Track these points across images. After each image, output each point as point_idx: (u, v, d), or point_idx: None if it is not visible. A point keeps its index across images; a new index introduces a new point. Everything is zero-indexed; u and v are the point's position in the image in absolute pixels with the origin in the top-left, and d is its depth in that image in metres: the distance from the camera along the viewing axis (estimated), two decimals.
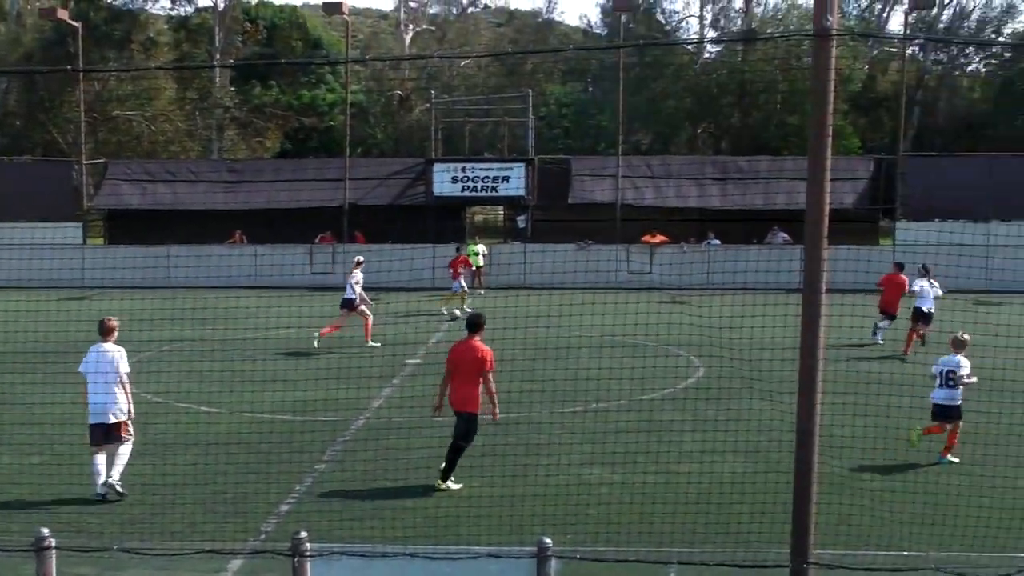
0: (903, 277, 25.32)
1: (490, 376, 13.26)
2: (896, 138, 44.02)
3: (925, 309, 24.17)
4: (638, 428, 15.15)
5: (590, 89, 67.68)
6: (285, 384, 18.33)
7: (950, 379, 15.27)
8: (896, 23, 70.27)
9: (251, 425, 16.37)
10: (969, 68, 69.43)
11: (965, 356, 15.44)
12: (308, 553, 7.16)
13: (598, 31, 68.54)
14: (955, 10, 66.54)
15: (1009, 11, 66.26)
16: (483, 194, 42.12)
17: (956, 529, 11.27)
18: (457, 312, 29.91)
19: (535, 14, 73.38)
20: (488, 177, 41.29)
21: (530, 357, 18.06)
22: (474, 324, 13.57)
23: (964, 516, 11.69)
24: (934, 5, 55.82)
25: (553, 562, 7.15)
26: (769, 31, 57.95)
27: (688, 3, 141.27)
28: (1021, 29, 66.07)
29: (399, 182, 43.33)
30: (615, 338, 21.50)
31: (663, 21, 66.15)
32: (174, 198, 43.17)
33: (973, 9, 67.19)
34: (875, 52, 63.29)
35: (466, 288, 32.15)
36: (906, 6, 48.92)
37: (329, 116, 63.99)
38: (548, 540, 7.20)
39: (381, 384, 19.38)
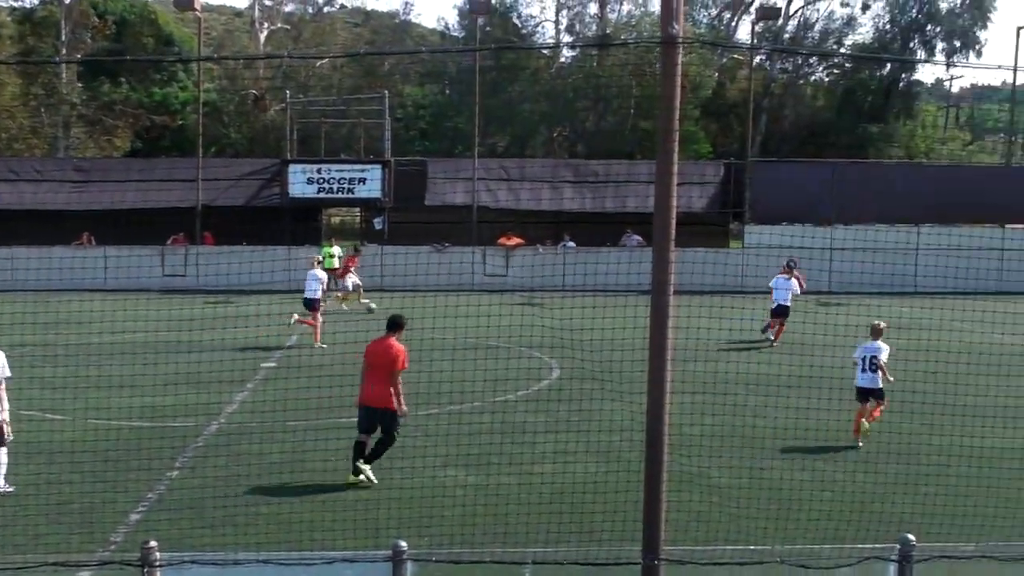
0: (798, 274, 26.82)
1: (398, 376, 13.63)
2: (745, 144, 45.22)
3: (779, 303, 25.71)
4: (494, 430, 15.23)
5: (447, 91, 67.73)
6: (134, 390, 17.84)
7: (873, 364, 16.58)
8: (744, 32, 72.27)
9: (98, 432, 15.90)
10: (813, 77, 71.80)
11: (883, 342, 16.77)
12: (158, 563, 7.01)
13: (455, 33, 68.62)
14: (800, 21, 68.76)
15: (850, 23, 68.74)
16: (339, 196, 41.77)
17: (801, 523, 11.67)
18: (373, 306, 29.67)
19: (392, 15, 73.17)
20: (344, 178, 40.98)
21: None
22: (394, 324, 13.99)
23: (808, 510, 12.12)
24: (779, 16, 57.57)
25: (408, 565, 7.16)
26: (623, 37, 58.97)
27: (544, 8, 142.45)
28: (861, 40, 68.51)
29: (254, 183, 42.65)
30: (471, 340, 21.56)
31: (519, 25, 66.61)
32: (18, 198, 41.63)
33: (816, 20, 69.51)
34: (725, 60, 64.94)
35: (352, 286, 32.00)
36: (753, 16, 50.46)
37: (181, 115, 62.58)
38: (403, 543, 7.20)
39: (235, 388, 19.06)
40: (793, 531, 11.42)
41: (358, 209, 47.11)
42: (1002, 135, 74.70)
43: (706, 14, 69.99)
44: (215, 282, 34.96)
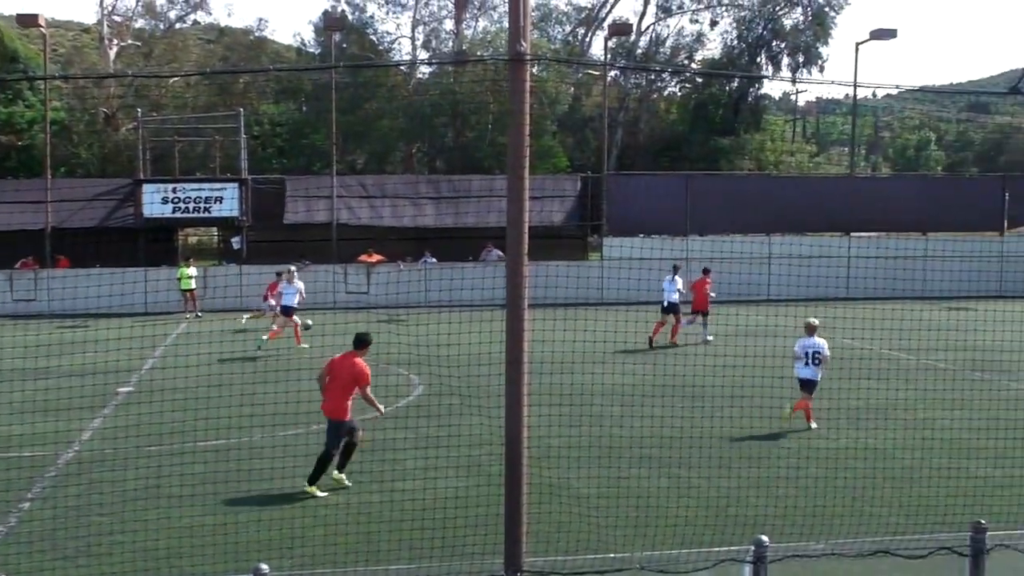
0: (708, 280, 29.13)
1: (368, 389, 14.23)
2: (601, 157, 45.94)
3: (667, 303, 28.33)
4: (359, 447, 15.15)
5: (304, 109, 67.05)
6: None
7: (816, 359, 17.92)
8: (598, 48, 73.53)
9: None
10: (667, 91, 73.31)
11: (819, 338, 18.10)
12: None
13: (312, 50, 67.99)
14: (651, 37, 70.15)
15: (699, 39, 70.44)
16: (196, 215, 40.97)
17: (662, 529, 11.90)
18: (310, 322, 28.32)
19: (246, 31, 71.92)
20: (200, 198, 40.23)
21: (249, 380, 17.72)
22: (360, 341, 14.59)
23: (669, 516, 12.38)
24: (631, 32, 58.68)
25: None
26: (479, 53, 59.30)
27: (399, 24, 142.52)
28: (711, 56, 70.27)
29: (106, 203, 41.54)
30: (326, 358, 21.39)
31: (376, 41, 66.44)
32: None
33: (667, 36, 71.04)
34: (580, 75, 65.86)
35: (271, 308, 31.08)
36: (606, 32, 51.31)
37: (28, 134, 60.57)
38: (264, 567, 7.14)
39: (91, 415, 18.54)
40: (654, 537, 11.64)
41: (215, 228, 46.29)
42: (846, 147, 77.49)
43: (560, 30, 70.95)
44: (69, 306, 33.94)
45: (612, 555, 10.93)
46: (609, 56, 60.97)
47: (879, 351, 25.29)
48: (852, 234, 42.31)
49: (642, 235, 40.75)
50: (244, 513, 12.66)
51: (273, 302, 29.82)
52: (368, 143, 63.34)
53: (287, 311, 27.35)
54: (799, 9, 68.75)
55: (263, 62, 64.95)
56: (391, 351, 20.07)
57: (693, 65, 68.67)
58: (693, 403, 18.87)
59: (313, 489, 13.77)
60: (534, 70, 58.02)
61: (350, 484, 14.20)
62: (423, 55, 66.55)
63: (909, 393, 19.93)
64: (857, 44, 46.63)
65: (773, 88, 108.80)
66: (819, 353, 18.01)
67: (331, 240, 40.07)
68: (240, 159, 43.79)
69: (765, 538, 7.64)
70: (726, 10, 69.49)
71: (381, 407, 14.60)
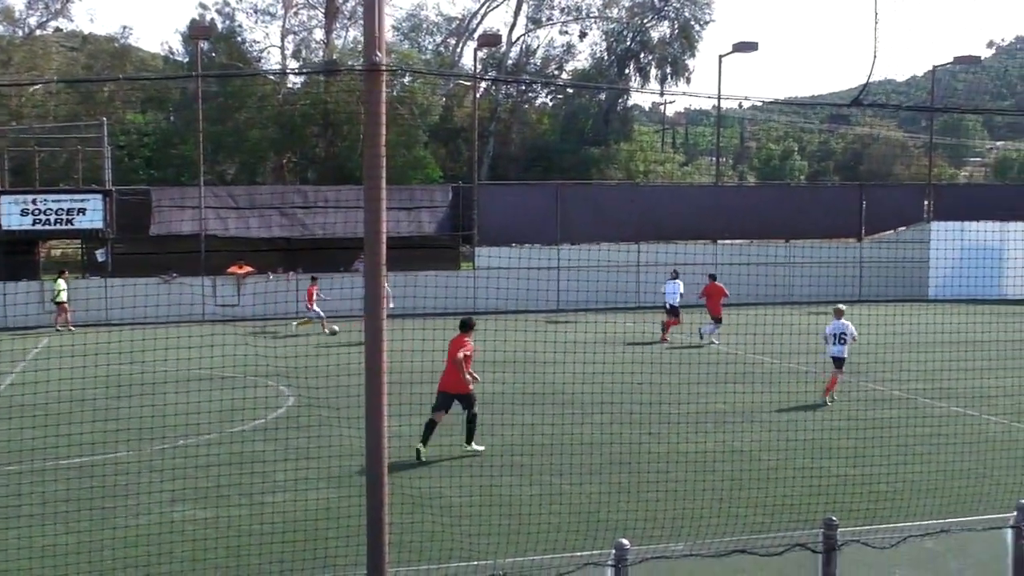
0: (719, 285, 30.68)
1: (461, 359, 16.11)
2: (472, 167, 46.14)
3: (669, 305, 30.85)
4: (228, 461, 14.95)
5: (171, 118, 65.82)
6: None
7: (842, 339, 20.69)
8: (469, 58, 73.83)
9: None
10: (537, 102, 73.97)
11: (847, 320, 20.93)
12: None
13: (179, 58, 66.80)
14: (522, 48, 70.75)
15: (569, 50, 71.31)
16: (58, 227, 39.84)
17: (532, 535, 12.01)
18: (336, 328, 29.97)
19: (110, 39, 70.26)
20: (63, 209, 39.16)
21: (113, 395, 17.34)
22: (466, 324, 16.70)
23: (539, 523, 12.50)
24: (500, 42, 59.05)
25: None
26: (351, 63, 58.99)
27: (268, 34, 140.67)
28: (581, 67, 71.20)
29: None
30: (202, 371, 21.07)
31: (245, 50, 65.59)
32: None
33: (538, 48, 71.72)
34: (451, 86, 66.04)
35: (319, 314, 32.12)
36: (476, 43, 51.57)
37: None
38: None
39: None
40: (524, 544, 11.73)
41: (79, 241, 45.09)
42: (713, 156, 79.17)
43: (431, 40, 71.09)
44: None
45: (476, 563, 10.99)
46: (480, 67, 61.32)
47: (744, 355, 25.93)
48: (719, 241, 43.26)
49: (513, 244, 41.03)
50: (108, 531, 12.38)
51: (318, 308, 31.61)
52: (238, 153, 62.49)
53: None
54: (666, 22, 70.12)
55: (128, 70, 63.54)
56: (260, 363, 19.85)
57: (563, 76, 69.43)
58: (563, 410, 19.09)
59: (474, 446, 16.34)
60: (405, 80, 58.00)
61: (482, 448, 16.39)
62: (293, 65, 65.98)
63: (773, 396, 20.47)
64: (721, 56, 47.77)
65: (642, 99, 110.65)
66: (845, 334, 20.88)
67: (199, 252, 39.40)
68: (104, 169, 42.80)
69: (626, 541, 7.79)
70: (595, 22, 70.52)
71: (476, 377, 16.65)
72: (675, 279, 31.55)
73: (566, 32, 71.62)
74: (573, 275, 36.30)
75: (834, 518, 8.42)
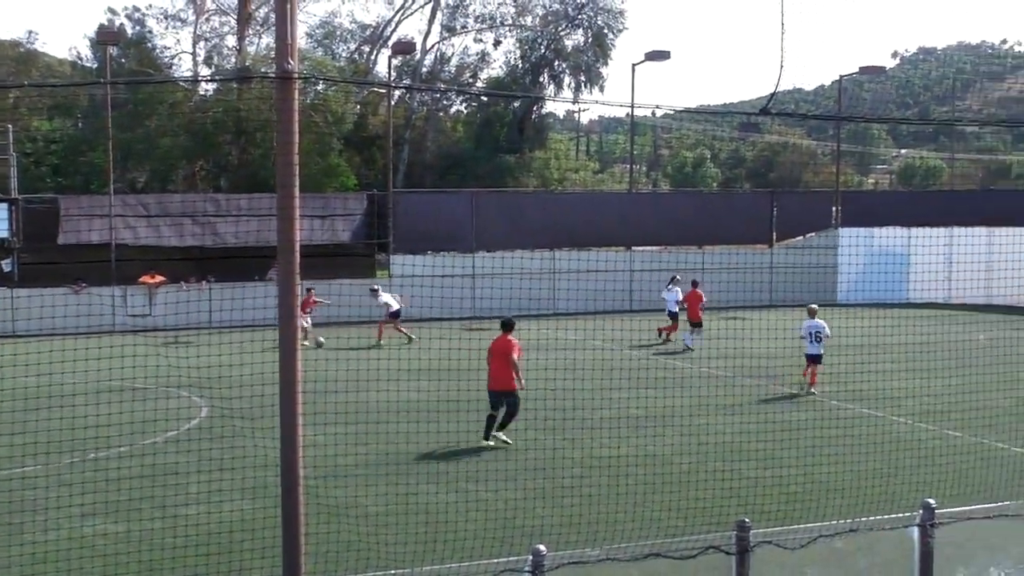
0: (700, 292, 31.19)
1: (516, 360, 17.64)
2: (387, 175, 45.99)
3: (669, 311, 31.67)
4: (140, 474, 14.74)
5: (80, 125, 64.55)
6: None
7: (818, 337, 22.48)
8: (384, 66, 73.52)
9: None
10: (452, 110, 73.99)
11: (820, 319, 22.74)
12: None
13: (88, 64, 65.57)
14: (436, 55, 70.73)
15: (484, 58, 71.43)
16: None
17: (450, 543, 12.02)
18: (322, 339, 30.16)
19: (15, 43, 68.67)
20: None
21: (20, 408, 16.99)
22: (508, 324, 18.27)
23: (457, 530, 12.51)
24: (415, 50, 58.96)
25: None
26: (264, 70, 58.44)
27: (179, 40, 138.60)
28: (495, 75, 71.40)
29: None
30: (113, 383, 20.72)
31: (156, 56, 64.62)
32: None
33: (452, 55, 71.76)
34: (365, 93, 65.79)
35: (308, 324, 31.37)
36: (390, 51, 51.49)
37: None
38: None
39: None
40: (442, 552, 11.74)
41: None
42: (627, 164, 79.91)
43: (345, 48, 70.72)
44: None
45: (394, 571, 10.98)
46: (394, 74, 61.17)
47: (660, 360, 26.19)
48: (633, 248, 43.65)
49: (429, 252, 41.00)
50: (16, 547, 12.13)
51: (309, 319, 30.99)
52: (149, 161, 61.52)
53: (396, 315, 31.68)
54: (580, 31, 70.59)
55: (34, 76, 62.23)
56: (173, 374, 19.58)
57: (478, 84, 69.54)
58: (481, 417, 19.12)
59: (492, 441, 17.58)
60: (319, 88, 57.63)
61: (510, 442, 17.65)
62: (204, 72, 65.14)
63: (687, 400, 20.70)
64: (634, 65, 48.25)
65: (557, 107, 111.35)
66: (820, 332, 22.50)
67: (110, 261, 38.71)
68: (10, 178, 41.83)
69: (543, 547, 7.85)
70: (509, 31, 70.73)
71: (523, 380, 17.78)
72: (674, 286, 32.42)
73: (480, 40, 71.83)
74: (489, 282, 36.37)
75: (747, 520, 8.57)
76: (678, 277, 32.89)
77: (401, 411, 18.94)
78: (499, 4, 70.12)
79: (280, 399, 7.43)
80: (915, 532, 9.27)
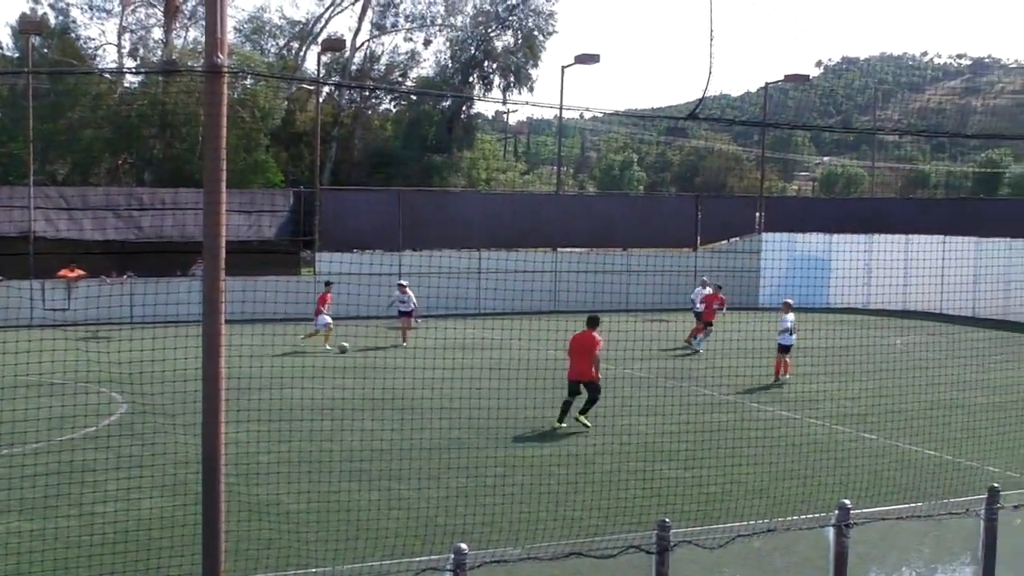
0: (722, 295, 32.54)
1: (598, 353, 19.46)
2: (314, 172, 45.68)
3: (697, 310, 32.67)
4: (57, 471, 14.49)
5: None
6: None
7: (790, 329, 24.84)
8: (312, 62, 73.03)
9: None
10: (381, 108, 73.68)
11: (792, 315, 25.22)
12: None
13: (8, 53, 64.21)
14: (366, 53, 70.37)
15: (413, 57, 71.23)
16: None
17: (371, 541, 12.01)
18: (346, 344, 29.10)
19: None
20: None
21: None
22: (593, 320, 19.98)
23: (378, 528, 12.50)
24: (344, 47, 58.61)
25: None
26: (190, 64, 57.75)
27: (104, 31, 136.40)
28: (425, 74, 71.24)
29: None
30: (30, 378, 20.35)
31: (80, 47, 63.45)
32: None
33: (382, 54, 71.45)
34: (294, 89, 65.27)
35: (331, 323, 30.45)
36: (320, 48, 51.17)
37: None
38: None
39: None
40: (363, 550, 11.72)
41: None
42: (555, 165, 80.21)
43: (274, 43, 70.06)
44: None
45: (314, 570, 10.94)
46: (323, 71, 60.78)
47: None
48: (559, 249, 43.84)
49: (356, 250, 40.81)
50: None
51: (328, 317, 30.17)
52: (71, 153, 60.38)
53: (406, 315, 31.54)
54: (510, 32, 70.69)
55: None
56: (92, 369, 19.28)
57: (407, 83, 69.34)
58: (403, 415, 19.12)
59: (566, 423, 19.18)
60: (247, 83, 57.06)
61: (590, 425, 19.18)
62: (130, 64, 64.16)
63: (610, 401, 20.84)
64: (563, 67, 48.48)
65: (486, 107, 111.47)
66: (789, 326, 24.95)
67: (28, 254, 37.95)
68: None
69: (464, 546, 7.87)
70: (440, 30, 70.61)
71: (600, 374, 19.56)
72: (704, 287, 33.35)
73: (411, 39, 71.61)
74: (416, 281, 36.27)
75: (667, 520, 8.67)
76: (707, 279, 34.27)
77: (324, 409, 18.82)
78: (430, 3, 70.01)
79: (202, 395, 7.37)
80: (831, 532, 9.45)
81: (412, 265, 38.85)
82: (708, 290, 32.77)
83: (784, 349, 25.22)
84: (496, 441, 17.83)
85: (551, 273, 41.17)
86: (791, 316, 25.33)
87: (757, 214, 47.44)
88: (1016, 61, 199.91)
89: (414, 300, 31.93)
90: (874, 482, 15.35)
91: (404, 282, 32.57)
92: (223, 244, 7.09)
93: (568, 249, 44.27)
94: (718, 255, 44.91)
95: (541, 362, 20.37)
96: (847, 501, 9.55)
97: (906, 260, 37.75)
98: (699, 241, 46.06)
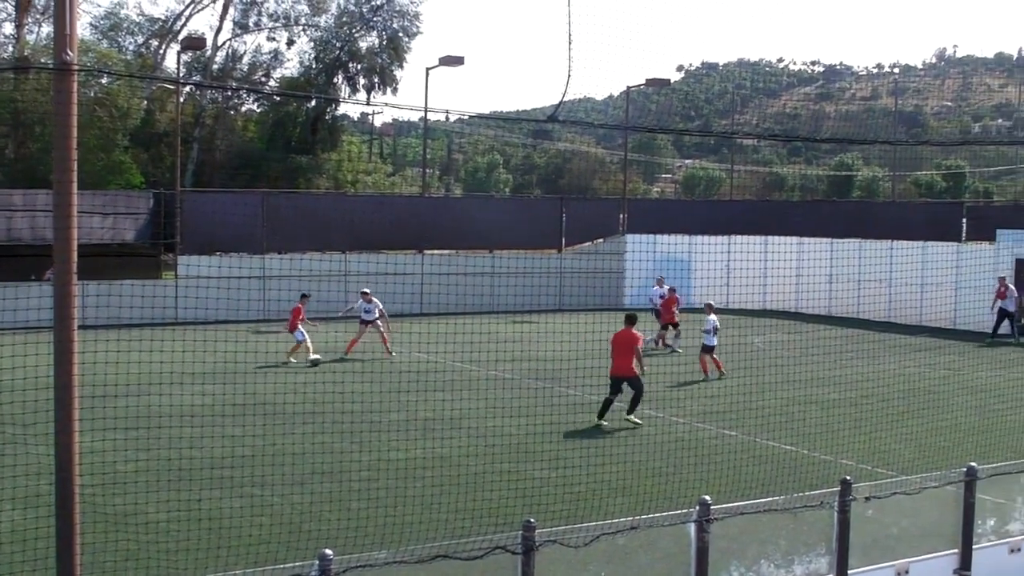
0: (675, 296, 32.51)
1: (640, 349, 20.41)
2: (175, 173, 44.74)
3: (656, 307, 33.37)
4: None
5: None
6: None
7: (711, 330, 25.78)
8: (173, 60, 71.46)
9: None
10: (244, 108, 72.49)
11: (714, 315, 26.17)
12: None
13: None
14: (228, 52, 69.18)
15: (277, 57, 70.31)
16: None
17: (235, 549, 11.80)
18: (318, 356, 27.42)
19: None
20: None
21: None
22: (632, 318, 20.72)
23: (243, 536, 12.29)
24: (205, 46, 57.52)
25: None
26: (44, 60, 55.95)
27: None
28: (289, 74, 70.40)
29: None
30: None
31: None
32: None
33: (244, 53, 70.34)
34: (154, 88, 63.80)
35: (303, 337, 28.28)
36: (180, 46, 50.12)
37: None
38: None
39: None
40: (227, 559, 11.51)
41: None
42: (420, 167, 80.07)
43: (132, 41, 68.35)
44: None
45: None
46: (183, 70, 59.55)
47: (450, 364, 26.35)
48: (425, 251, 43.78)
49: (219, 253, 40.07)
50: None
51: (304, 330, 28.22)
52: None
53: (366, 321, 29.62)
54: (374, 32, 70.31)
55: None
56: None
57: (271, 83, 68.39)
58: (267, 421, 18.84)
59: (633, 418, 20.13)
60: (104, 81, 55.56)
61: (641, 422, 20.06)
62: None
63: (478, 403, 20.92)
64: (428, 69, 48.45)
65: (351, 109, 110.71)
66: (712, 325, 25.85)
67: None
68: None
69: (329, 552, 7.80)
70: (303, 30, 69.83)
71: (644, 368, 20.50)
72: (660, 286, 33.74)
73: (274, 39, 70.62)
74: (280, 284, 35.81)
75: (532, 520, 8.72)
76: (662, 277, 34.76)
77: (186, 416, 18.43)
78: (293, 3, 69.17)
79: (55, 404, 7.14)
80: (692, 528, 9.63)
81: (277, 268, 38.33)
82: (665, 288, 33.39)
83: (708, 349, 26.07)
84: (362, 445, 17.71)
85: (417, 275, 41.07)
86: (713, 317, 26.09)
87: (621, 216, 48.10)
88: (866, 68, 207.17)
89: (380, 306, 30.07)
90: (734, 478, 15.72)
91: (367, 289, 31.04)
92: (75, 247, 6.88)
93: (434, 251, 44.23)
94: (583, 257, 45.42)
95: (407, 364, 20.43)
96: (707, 497, 9.74)
97: (764, 261, 38.78)
98: (564, 243, 46.50)
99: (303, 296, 29.62)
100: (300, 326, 28.33)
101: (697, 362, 26.05)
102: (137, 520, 13.21)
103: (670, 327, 31.63)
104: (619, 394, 20.13)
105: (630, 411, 20.18)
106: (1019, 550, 12.00)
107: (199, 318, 31.50)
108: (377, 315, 29.60)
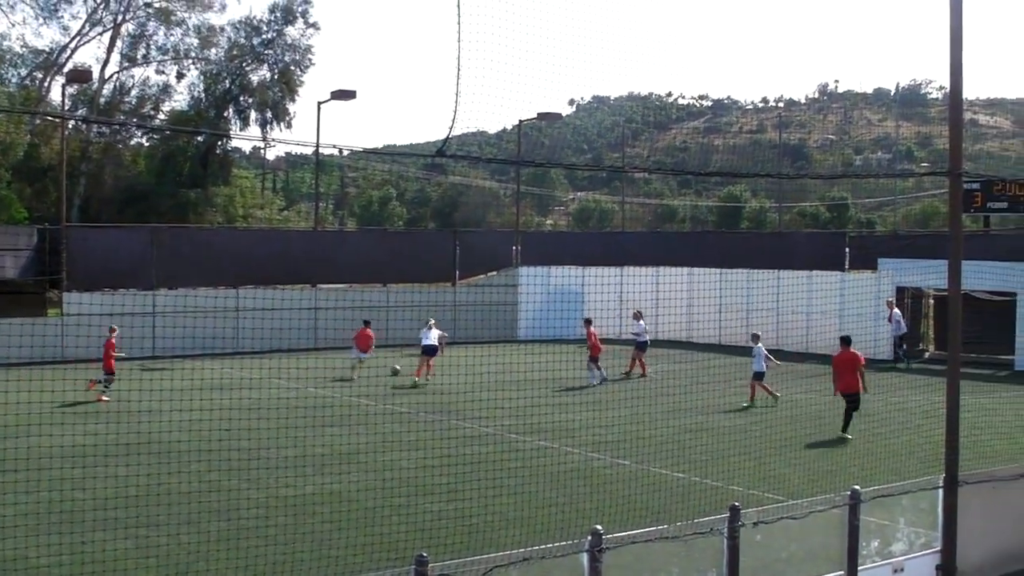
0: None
1: (863, 367, 23.03)
2: (60, 208, 43.80)
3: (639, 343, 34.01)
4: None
5: None
6: None
7: (765, 357, 27.46)
8: (57, 93, 70.11)
9: None
10: (132, 142, 71.34)
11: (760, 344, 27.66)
12: None
13: None
14: (116, 85, 68.14)
15: (166, 90, 69.46)
16: None
17: None
18: (398, 367, 31.29)
19: None
20: None
21: None
22: (847, 339, 23.49)
23: None
24: (91, 79, 56.57)
25: None
26: None
27: None
28: (178, 108, 69.51)
29: None
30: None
31: None
32: None
33: (133, 86, 69.35)
34: (38, 122, 62.48)
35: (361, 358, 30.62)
36: (65, 78, 49.20)
37: None
38: None
39: None
40: None
41: None
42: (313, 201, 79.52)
43: (16, 73, 66.93)
44: None
45: None
46: (68, 103, 58.43)
47: (343, 398, 26.23)
48: (318, 285, 43.46)
49: (107, 289, 39.26)
50: None
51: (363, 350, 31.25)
52: None
53: (430, 351, 31.35)
54: (266, 66, 69.93)
55: None
56: None
57: (160, 117, 67.48)
58: (158, 460, 18.54)
59: (847, 435, 22.36)
60: None
61: (851, 437, 22.22)
62: None
63: (372, 437, 20.83)
64: (320, 103, 48.32)
65: (242, 142, 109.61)
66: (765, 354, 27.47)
67: None
68: None
69: None
70: (193, 63, 69.13)
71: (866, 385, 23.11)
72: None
73: (163, 72, 69.71)
74: (170, 321, 35.20)
75: (424, 554, 8.77)
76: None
77: (73, 456, 18.02)
78: (183, 35, 68.46)
79: None
80: (585, 558, 9.75)
81: (166, 304, 37.70)
82: (642, 322, 33.99)
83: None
84: (254, 482, 17.53)
85: (310, 310, 40.78)
86: (760, 346, 27.70)
87: (514, 248, 48.39)
88: (752, 103, 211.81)
89: (435, 337, 31.89)
90: (627, 506, 15.92)
91: (432, 320, 33.04)
92: None
93: (327, 285, 43.92)
94: (477, 289, 45.53)
95: (301, 400, 20.27)
96: (599, 527, 9.87)
97: (656, 291, 39.34)
98: (458, 275, 46.60)
99: (366, 323, 32.45)
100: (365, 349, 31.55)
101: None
102: (24, 564, 12.90)
103: (591, 360, 31.87)
104: (855, 403, 22.82)
105: (844, 427, 22.63)
106: (902, 570, 12.36)
107: (84, 356, 30.80)
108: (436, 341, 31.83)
